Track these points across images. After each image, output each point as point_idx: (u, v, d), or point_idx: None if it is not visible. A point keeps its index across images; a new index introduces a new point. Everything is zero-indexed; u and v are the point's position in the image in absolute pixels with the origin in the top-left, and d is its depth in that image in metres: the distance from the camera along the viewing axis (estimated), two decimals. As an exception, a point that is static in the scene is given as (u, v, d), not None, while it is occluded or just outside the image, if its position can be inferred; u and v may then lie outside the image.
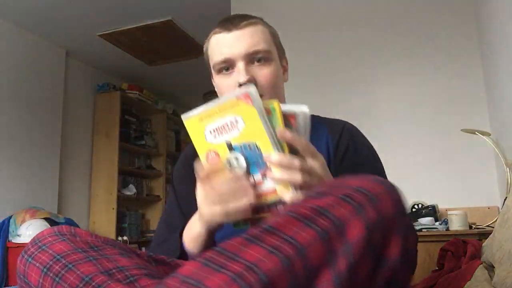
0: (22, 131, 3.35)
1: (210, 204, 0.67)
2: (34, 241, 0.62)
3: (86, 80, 4.19)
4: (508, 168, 1.94)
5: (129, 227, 4.28)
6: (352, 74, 2.65)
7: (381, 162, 0.95)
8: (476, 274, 1.11)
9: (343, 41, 2.71)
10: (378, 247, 0.48)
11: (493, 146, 2.08)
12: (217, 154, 0.66)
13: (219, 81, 0.91)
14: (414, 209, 2.26)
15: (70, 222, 3.16)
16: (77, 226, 3.22)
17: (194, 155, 0.71)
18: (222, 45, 0.88)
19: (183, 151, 1.08)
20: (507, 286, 0.87)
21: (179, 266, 0.72)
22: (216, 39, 0.90)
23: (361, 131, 0.99)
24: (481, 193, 2.29)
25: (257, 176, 0.65)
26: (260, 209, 0.67)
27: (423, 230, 2.03)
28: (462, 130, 2.18)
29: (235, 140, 0.64)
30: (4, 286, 2.79)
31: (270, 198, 0.65)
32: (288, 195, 0.63)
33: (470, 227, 2.05)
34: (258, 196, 0.65)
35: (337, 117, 1.02)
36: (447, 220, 2.08)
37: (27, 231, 2.86)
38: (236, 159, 0.65)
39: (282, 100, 0.95)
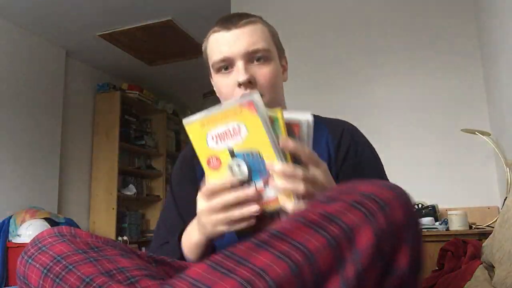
0: (22, 131, 3.35)
1: (213, 212, 0.67)
2: (34, 242, 0.62)
3: (86, 80, 4.19)
4: (508, 168, 1.94)
5: (129, 227, 4.28)
6: (352, 74, 2.65)
7: (382, 163, 0.94)
8: (476, 274, 1.11)
9: (343, 41, 2.71)
10: (387, 255, 0.48)
11: (493, 146, 2.08)
12: (218, 160, 0.66)
13: (218, 80, 0.90)
14: (414, 209, 2.25)
15: (70, 222, 3.16)
16: (77, 226, 3.23)
17: (193, 155, 0.71)
18: (221, 44, 0.87)
19: (183, 150, 1.07)
20: (507, 286, 0.87)
21: (181, 267, 0.72)
22: (215, 38, 0.89)
23: (361, 131, 0.99)
24: (481, 193, 2.29)
25: (259, 184, 0.65)
26: (264, 219, 0.67)
27: (423, 230, 2.03)
28: (462, 130, 2.18)
29: (237, 147, 0.64)
30: (4, 286, 2.79)
31: (272, 206, 0.65)
32: (290, 204, 0.62)
33: (470, 227, 2.05)
34: (260, 204, 0.65)
35: (337, 117, 1.01)
36: (447, 220, 2.08)
37: (27, 231, 2.86)
38: (238, 165, 0.65)
39: (281, 100, 0.94)
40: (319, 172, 0.64)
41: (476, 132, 2.13)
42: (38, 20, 3.30)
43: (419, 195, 2.29)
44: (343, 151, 0.90)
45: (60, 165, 3.71)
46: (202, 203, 0.69)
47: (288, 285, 0.44)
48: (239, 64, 0.85)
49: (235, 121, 0.62)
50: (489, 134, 2.15)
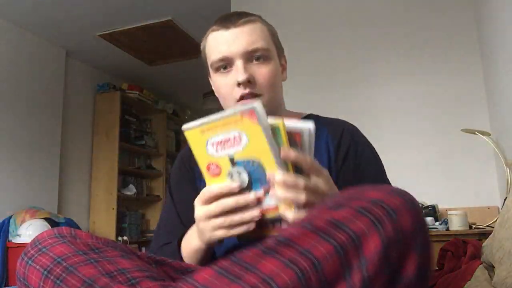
0: (22, 131, 3.35)
1: (211, 217, 0.66)
2: (34, 243, 0.62)
3: (86, 80, 4.19)
4: (508, 168, 1.94)
5: (129, 227, 4.28)
6: (352, 74, 2.65)
7: (382, 163, 0.94)
8: (476, 274, 1.11)
9: (343, 41, 2.71)
10: (394, 263, 0.47)
11: (493, 146, 2.08)
12: (218, 167, 0.65)
13: (217, 80, 0.89)
14: (414, 209, 2.25)
15: (70, 222, 3.16)
16: (77, 226, 3.23)
17: (191, 156, 0.70)
18: (220, 43, 0.86)
19: (181, 150, 1.06)
20: (507, 286, 0.87)
21: (181, 267, 0.72)
22: (214, 37, 0.88)
23: (361, 131, 0.98)
24: (481, 193, 2.29)
25: (259, 192, 0.64)
26: (264, 225, 0.67)
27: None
28: (462, 130, 2.18)
29: (238, 155, 0.63)
30: (4, 286, 2.79)
31: (271, 215, 0.65)
32: (290, 213, 0.62)
33: (470, 227, 2.05)
34: (259, 210, 0.64)
35: (337, 117, 1.00)
36: (447, 220, 2.08)
37: (27, 231, 2.86)
38: (238, 173, 0.64)
39: (280, 99, 0.94)
40: (321, 181, 0.64)
41: (476, 132, 2.13)
42: (38, 20, 3.30)
43: (419, 195, 2.27)
44: (343, 151, 0.89)
45: (60, 165, 3.71)
46: (200, 208, 0.68)
47: None
48: (238, 64, 0.85)
49: (236, 129, 0.61)
50: (489, 134, 2.15)
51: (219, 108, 0.85)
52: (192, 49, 3.76)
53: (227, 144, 0.63)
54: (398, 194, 0.51)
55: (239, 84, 0.84)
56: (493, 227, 1.45)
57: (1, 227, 2.96)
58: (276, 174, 0.61)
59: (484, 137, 2.11)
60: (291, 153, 0.61)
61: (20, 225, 2.94)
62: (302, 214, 0.61)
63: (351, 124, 0.98)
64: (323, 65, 2.73)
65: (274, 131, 0.61)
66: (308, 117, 0.99)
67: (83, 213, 3.96)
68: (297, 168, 0.63)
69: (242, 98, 0.85)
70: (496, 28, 2.04)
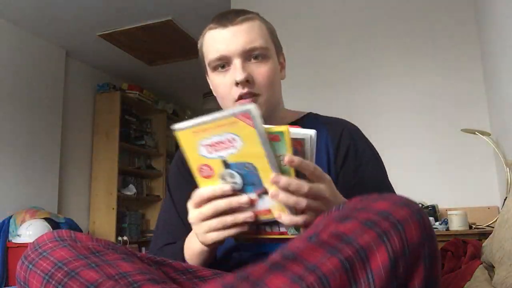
0: (22, 131, 3.35)
1: (204, 219, 0.65)
2: (34, 246, 0.61)
3: (86, 80, 4.19)
4: (508, 168, 1.94)
5: (129, 227, 4.28)
6: (352, 74, 2.65)
7: (383, 164, 0.92)
8: (476, 274, 1.11)
9: (343, 40, 2.71)
10: (402, 275, 0.47)
11: (493, 146, 2.08)
12: (211, 169, 0.64)
13: (215, 79, 0.88)
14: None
15: (70, 222, 3.16)
16: (77, 226, 3.22)
17: None
18: (218, 41, 0.85)
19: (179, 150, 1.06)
20: (507, 286, 0.87)
21: (182, 267, 0.71)
22: (211, 35, 0.87)
23: (361, 130, 0.97)
24: (481, 193, 2.29)
25: (252, 195, 0.63)
26: (259, 228, 0.66)
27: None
28: (462, 130, 2.18)
29: (231, 158, 0.62)
30: (4, 286, 2.79)
31: (264, 217, 0.64)
32: (287, 217, 0.62)
33: (470, 227, 2.05)
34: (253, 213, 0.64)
35: (337, 117, 0.99)
36: (447, 220, 2.08)
37: (27, 231, 2.86)
38: (231, 176, 0.63)
39: (278, 98, 0.92)
40: (324, 186, 0.63)
41: (476, 132, 2.13)
42: (38, 20, 3.30)
43: (419, 195, 2.29)
44: (342, 151, 0.88)
45: (60, 165, 3.71)
46: (193, 211, 0.67)
47: None
48: (237, 63, 0.83)
49: (230, 132, 0.60)
50: (489, 134, 2.15)
51: (219, 108, 0.85)
52: (192, 49, 3.75)
53: (220, 146, 0.61)
54: (404, 204, 0.50)
55: (237, 84, 0.83)
56: (493, 227, 1.45)
57: (1, 227, 2.96)
58: (281, 178, 0.60)
59: (484, 137, 2.11)
60: (295, 159, 0.60)
61: (20, 225, 2.95)
62: (299, 218, 0.61)
63: (352, 124, 0.96)
64: (323, 64, 2.72)
65: (278, 139, 0.60)
66: (307, 116, 0.98)
67: (83, 213, 3.96)
68: (298, 174, 0.62)
69: (240, 97, 0.83)
70: (496, 28, 2.04)
